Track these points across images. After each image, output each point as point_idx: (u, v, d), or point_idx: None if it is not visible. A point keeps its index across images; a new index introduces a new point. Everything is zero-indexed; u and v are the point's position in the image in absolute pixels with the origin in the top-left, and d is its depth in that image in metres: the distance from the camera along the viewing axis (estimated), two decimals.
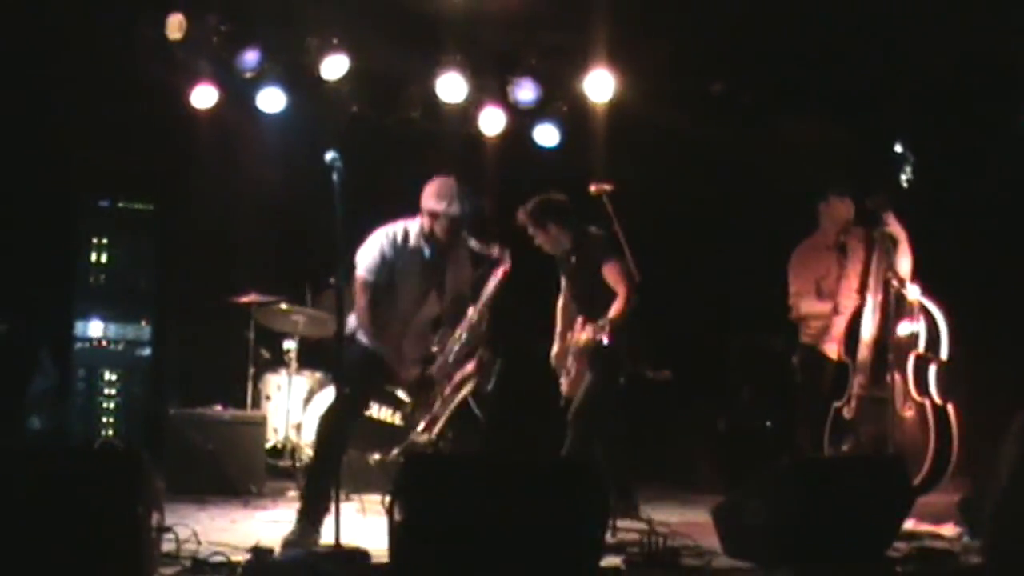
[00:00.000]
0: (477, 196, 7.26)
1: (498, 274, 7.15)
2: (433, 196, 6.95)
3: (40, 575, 4.80)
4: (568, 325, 8.04)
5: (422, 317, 7.23)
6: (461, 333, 7.18)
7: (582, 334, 7.76)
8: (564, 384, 8.04)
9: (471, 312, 7.18)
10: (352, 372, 6.71)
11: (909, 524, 6.84)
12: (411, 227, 7.03)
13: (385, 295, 6.93)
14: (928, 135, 8.48)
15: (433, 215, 6.93)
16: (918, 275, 7.91)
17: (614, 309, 7.49)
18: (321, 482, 6.46)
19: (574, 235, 7.91)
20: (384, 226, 7.05)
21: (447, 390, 7.25)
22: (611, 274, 7.68)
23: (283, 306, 9.11)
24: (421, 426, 7.27)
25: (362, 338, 6.83)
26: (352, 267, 6.88)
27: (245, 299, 9.14)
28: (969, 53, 8.85)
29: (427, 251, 7.04)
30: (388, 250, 6.93)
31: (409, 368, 7.06)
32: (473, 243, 7.13)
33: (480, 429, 8.48)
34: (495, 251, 7.16)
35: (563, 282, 8.11)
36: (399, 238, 6.99)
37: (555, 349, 8.19)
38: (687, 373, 10.29)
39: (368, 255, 6.91)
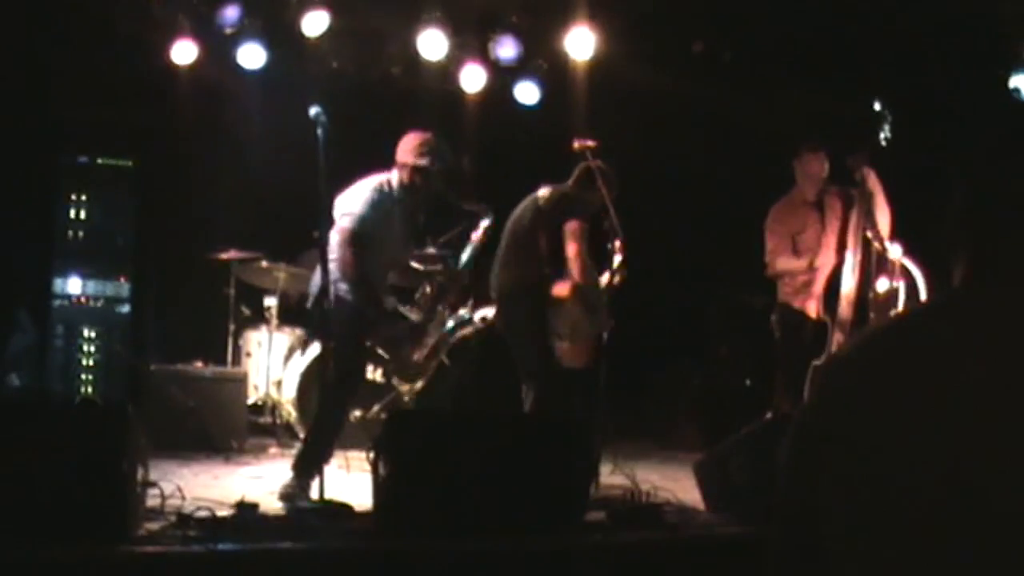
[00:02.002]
0: (454, 151, 7.24)
1: (480, 229, 7.15)
2: (410, 150, 6.94)
3: (27, 530, 4.80)
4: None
5: (395, 268, 7.24)
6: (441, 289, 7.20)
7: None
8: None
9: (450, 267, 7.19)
10: (345, 332, 6.69)
11: None
12: (392, 179, 7.03)
13: (369, 247, 6.91)
14: (907, 93, 8.50)
15: (410, 168, 6.93)
16: (898, 233, 7.95)
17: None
18: (324, 444, 6.46)
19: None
20: (365, 178, 7.03)
21: (432, 340, 7.25)
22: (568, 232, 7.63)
23: (263, 263, 9.08)
24: (407, 374, 7.28)
25: (345, 294, 6.80)
26: (333, 221, 6.85)
27: (225, 256, 9.11)
28: (951, 9, 8.86)
29: (406, 202, 7.03)
30: (372, 201, 6.89)
31: (390, 322, 7.06)
32: (452, 196, 7.13)
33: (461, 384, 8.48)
34: (476, 207, 7.16)
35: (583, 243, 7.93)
36: (385, 189, 6.97)
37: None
38: (666, 332, 10.35)
39: (352, 206, 6.84)
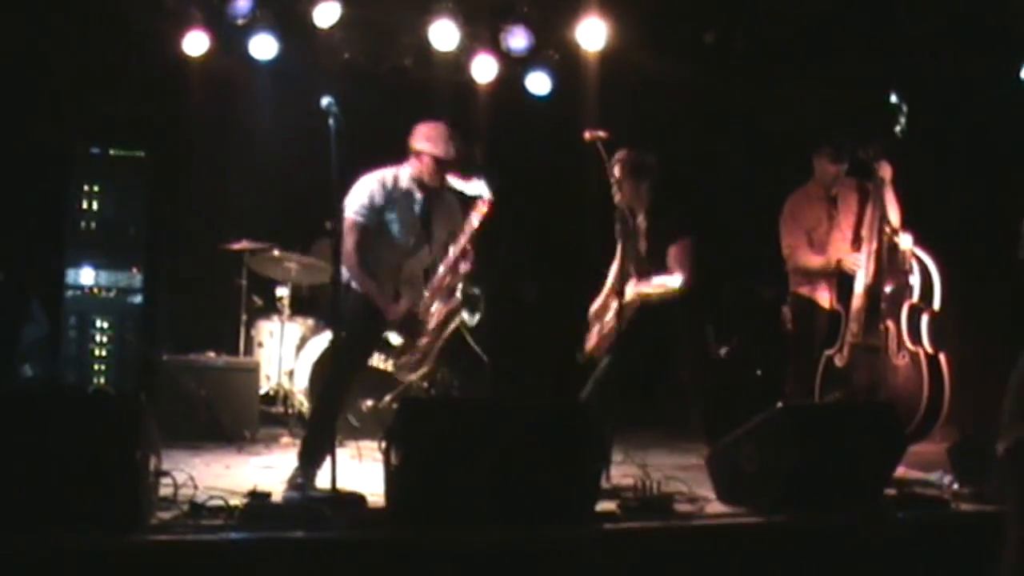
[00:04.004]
0: (465, 140, 7.23)
1: (479, 208, 7.11)
2: (423, 138, 6.96)
3: (41, 520, 4.82)
4: (620, 284, 7.88)
5: (415, 264, 7.23)
6: (444, 268, 7.17)
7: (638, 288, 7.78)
8: (593, 337, 7.99)
9: (452, 249, 7.15)
10: (352, 322, 6.74)
11: (900, 471, 6.89)
12: (401, 172, 7.04)
13: (377, 240, 6.91)
14: (923, 84, 8.48)
15: (423, 157, 6.94)
16: (911, 225, 7.94)
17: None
18: (323, 436, 6.46)
19: (654, 199, 7.91)
20: (373, 171, 7.04)
21: (432, 325, 7.22)
22: (676, 254, 7.74)
23: (275, 253, 9.09)
24: (410, 364, 7.27)
25: (355, 285, 6.83)
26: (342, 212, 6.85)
27: (237, 246, 9.13)
28: (965, 2, 8.84)
29: (417, 195, 7.04)
30: (379, 194, 6.92)
31: (397, 305, 7.05)
32: (454, 181, 7.11)
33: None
34: (476, 185, 7.14)
35: (619, 240, 7.94)
36: (389, 182, 6.98)
37: (597, 303, 8.10)
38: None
39: (358, 198, 6.88)
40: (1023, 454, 2.60)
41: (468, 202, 7.21)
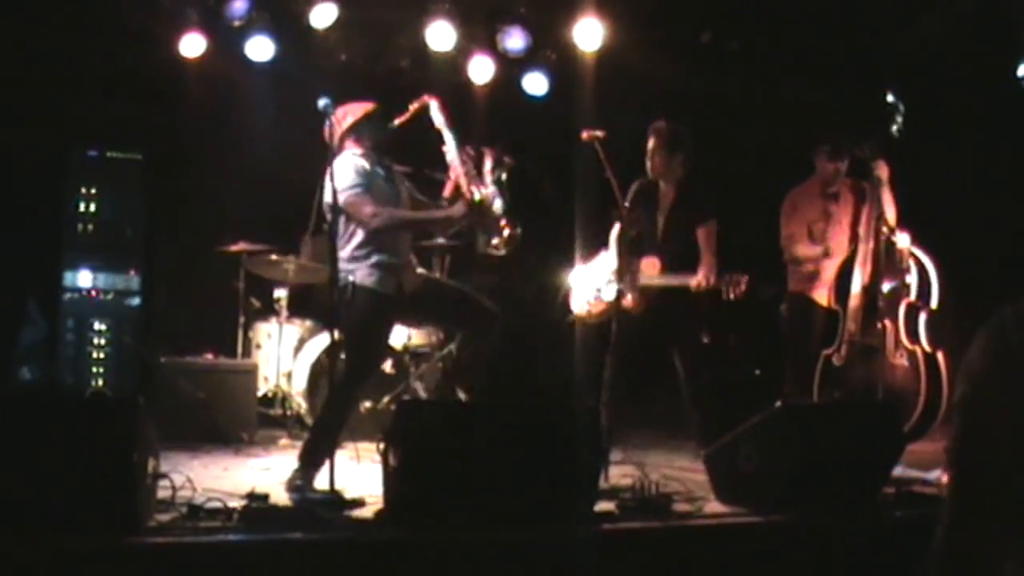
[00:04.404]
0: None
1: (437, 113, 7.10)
2: (346, 113, 6.82)
3: (38, 522, 4.81)
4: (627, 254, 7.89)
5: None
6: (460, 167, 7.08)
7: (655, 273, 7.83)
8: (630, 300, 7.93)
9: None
10: (362, 324, 6.65)
11: (898, 471, 6.89)
12: (350, 155, 6.84)
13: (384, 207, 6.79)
14: (919, 84, 8.49)
15: (351, 131, 6.82)
16: (909, 223, 7.95)
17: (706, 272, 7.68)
18: (330, 437, 6.43)
19: (687, 175, 7.94)
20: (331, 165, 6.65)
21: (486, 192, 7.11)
22: (706, 235, 7.78)
23: (273, 256, 9.06)
24: (504, 240, 7.12)
25: (363, 280, 6.66)
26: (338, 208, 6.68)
27: (235, 248, 9.13)
28: (966, 2, 8.85)
29: (378, 167, 6.88)
30: (353, 170, 6.70)
31: (455, 207, 6.94)
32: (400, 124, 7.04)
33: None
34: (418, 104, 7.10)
35: (634, 210, 7.95)
36: (350, 162, 6.76)
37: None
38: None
39: (344, 182, 6.58)
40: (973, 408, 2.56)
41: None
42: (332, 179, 6.38)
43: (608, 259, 8.08)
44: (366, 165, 6.80)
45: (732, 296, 7.57)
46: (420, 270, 7.24)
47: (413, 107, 7.03)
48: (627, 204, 7.73)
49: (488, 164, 7.16)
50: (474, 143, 7.22)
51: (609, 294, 7.95)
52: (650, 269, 7.87)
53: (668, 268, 7.80)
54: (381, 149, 6.96)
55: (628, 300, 7.69)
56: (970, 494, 2.33)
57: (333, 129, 6.69)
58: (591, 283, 8.16)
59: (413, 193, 7.12)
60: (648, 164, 7.81)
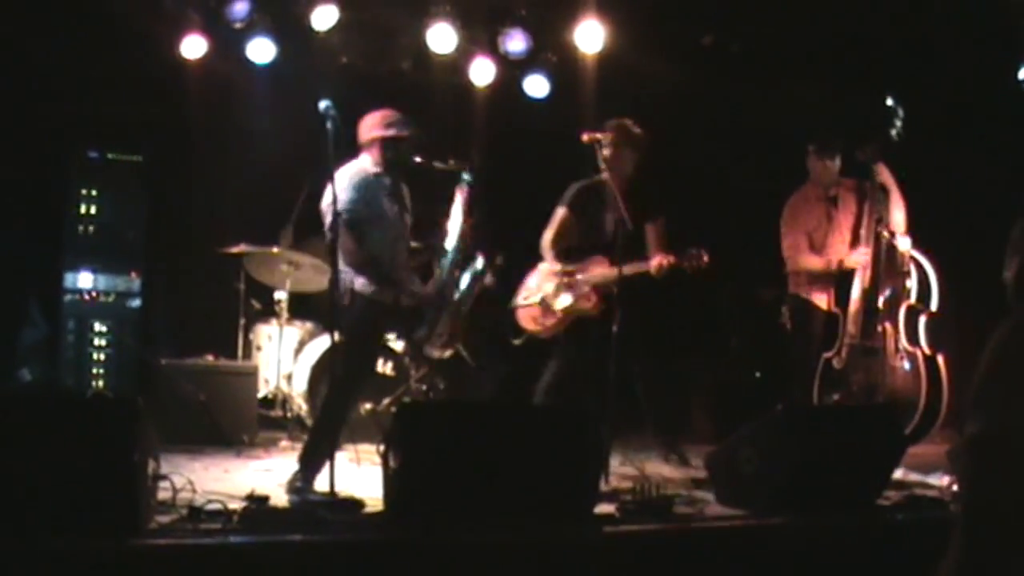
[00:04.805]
0: (420, 124, 7.18)
1: (460, 196, 7.19)
2: (380, 125, 6.91)
3: (39, 524, 4.81)
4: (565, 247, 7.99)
5: (403, 245, 7.20)
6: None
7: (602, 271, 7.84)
8: (542, 318, 8.03)
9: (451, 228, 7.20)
10: (358, 330, 6.73)
11: (899, 473, 6.90)
12: (363, 164, 6.96)
13: (377, 229, 6.84)
14: (920, 87, 8.49)
15: (379, 142, 6.90)
16: (908, 226, 7.95)
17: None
18: (329, 438, 6.44)
19: (634, 174, 7.96)
20: (336, 173, 6.90)
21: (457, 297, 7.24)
22: (655, 231, 7.82)
23: (274, 249, 9.04)
24: (441, 341, 7.24)
25: (363, 288, 6.78)
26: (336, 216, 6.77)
27: (235, 249, 9.13)
28: (962, 3, 8.85)
29: (386, 180, 6.98)
30: (354, 184, 6.80)
31: (426, 287, 7.05)
32: (437, 163, 7.14)
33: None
34: (453, 165, 7.19)
35: (579, 206, 8.05)
36: (358, 173, 6.89)
37: (549, 284, 8.13)
38: (677, 323, 10.34)
39: (341, 196, 6.62)
40: (974, 453, 2.59)
41: (446, 185, 7.28)
42: (334, 184, 6.45)
43: (547, 269, 8.11)
44: (371, 178, 6.90)
45: (693, 270, 7.56)
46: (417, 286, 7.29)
47: (450, 164, 7.29)
48: (567, 206, 7.79)
49: (479, 262, 7.39)
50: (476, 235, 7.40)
51: (564, 302, 7.97)
52: (602, 267, 7.86)
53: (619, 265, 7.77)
54: (394, 172, 7.03)
55: (587, 302, 7.76)
56: (985, 526, 2.35)
57: (360, 129, 6.87)
58: (537, 297, 8.16)
59: (407, 199, 7.20)
60: (602, 156, 7.74)
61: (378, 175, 6.95)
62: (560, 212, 8.10)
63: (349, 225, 6.70)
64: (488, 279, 7.48)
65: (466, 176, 7.35)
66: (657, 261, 7.66)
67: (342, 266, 6.61)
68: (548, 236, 8.14)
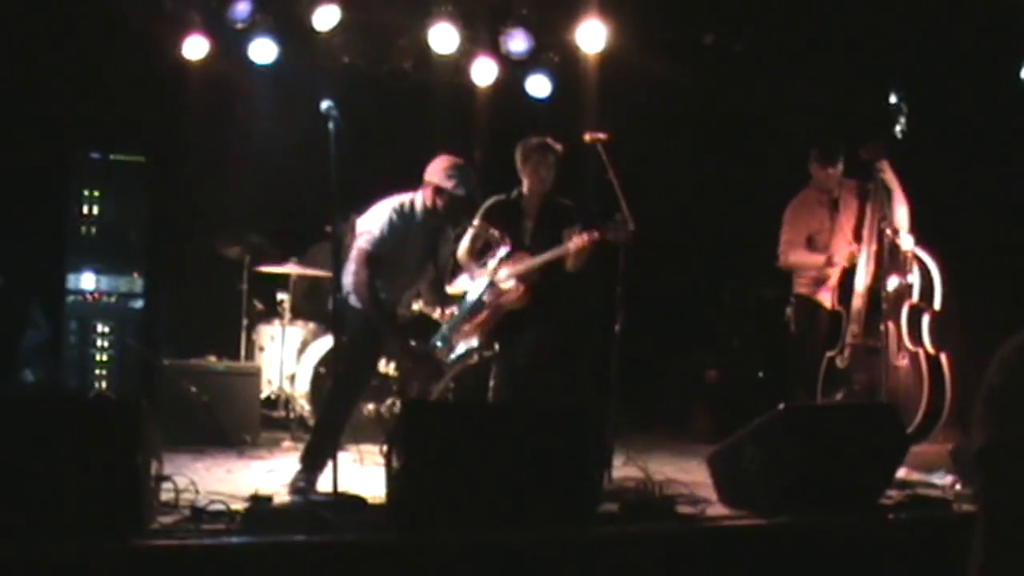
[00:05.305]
0: (477, 177, 7.24)
1: (501, 253, 7.29)
2: (442, 173, 6.96)
3: (41, 524, 4.81)
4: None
5: (409, 295, 7.32)
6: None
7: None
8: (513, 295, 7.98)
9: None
10: (356, 336, 6.79)
11: (902, 472, 6.89)
12: (416, 200, 7.05)
13: (386, 266, 6.92)
14: (923, 85, 8.48)
15: (440, 192, 6.94)
16: (914, 224, 7.95)
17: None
18: (330, 438, 6.44)
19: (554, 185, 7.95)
20: (390, 198, 7.04)
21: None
22: (580, 241, 7.63)
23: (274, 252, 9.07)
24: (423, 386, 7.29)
25: (356, 303, 6.83)
26: (353, 229, 6.88)
27: (237, 250, 9.13)
28: (965, 1, 8.84)
29: (428, 226, 7.08)
30: (396, 223, 6.92)
31: (408, 350, 7.11)
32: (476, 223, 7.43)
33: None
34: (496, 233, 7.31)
35: (489, 225, 7.88)
36: (406, 211, 7.00)
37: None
38: (679, 323, 10.35)
39: (374, 227, 6.89)
40: (997, 455, 2.62)
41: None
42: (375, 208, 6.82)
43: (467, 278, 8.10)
44: (414, 220, 7.01)
45: (621, 242, 7.29)
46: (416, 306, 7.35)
47: (497, 234, 7.48)
48: (478, 220, 7.75)
49: (474, 342, 7.50)
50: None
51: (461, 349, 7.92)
52: (522, 259, 7.78)
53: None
54: (441, 219, 7.10)
55: (512, 296, 7.73)
56: (1003, 530, 2.40)
57: (428, 165, 7.00)
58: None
59: (450, 246, 7.44)
60: (537, 177, 7.77)
61: (423, 219, 7.04)
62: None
63: (368, 261, 6.82)
64: (475, 359, 7.55)
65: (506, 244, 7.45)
66: (575, 242, 7.48)
67: (345, 280, 6.70)
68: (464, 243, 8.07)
